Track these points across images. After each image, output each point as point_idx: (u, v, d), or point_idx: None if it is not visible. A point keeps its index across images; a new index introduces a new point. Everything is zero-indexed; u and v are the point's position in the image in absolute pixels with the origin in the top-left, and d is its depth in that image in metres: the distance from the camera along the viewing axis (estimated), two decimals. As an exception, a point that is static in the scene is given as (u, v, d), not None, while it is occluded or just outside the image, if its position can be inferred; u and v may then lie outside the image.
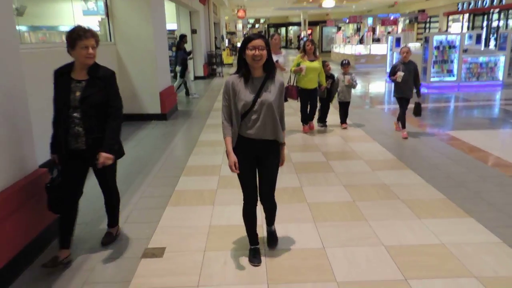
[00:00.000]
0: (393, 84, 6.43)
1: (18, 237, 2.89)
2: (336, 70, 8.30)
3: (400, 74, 6.10)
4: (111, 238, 3.32)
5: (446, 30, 26.87)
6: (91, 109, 2.85)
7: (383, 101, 10.71)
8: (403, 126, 6.49)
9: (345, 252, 3.04)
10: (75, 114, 2.83)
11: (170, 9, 12.91)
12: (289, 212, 3.71)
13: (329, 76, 6.92)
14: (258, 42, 2.59)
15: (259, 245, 3.03)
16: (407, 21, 30.53)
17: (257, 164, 2.83)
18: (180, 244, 3.24)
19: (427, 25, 30.72)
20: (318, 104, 7.01)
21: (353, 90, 7.16)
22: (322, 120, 7.23)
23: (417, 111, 6.41)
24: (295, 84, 6.63)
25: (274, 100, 2.69)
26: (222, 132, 2.76)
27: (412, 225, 3.44)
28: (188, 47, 14.95)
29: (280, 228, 3.31)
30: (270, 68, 2.71)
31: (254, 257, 2.96)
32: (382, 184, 4.40)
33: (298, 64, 6.46)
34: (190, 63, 12.50)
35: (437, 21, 29.39)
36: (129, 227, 3.57)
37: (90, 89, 2.85)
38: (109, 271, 2.91)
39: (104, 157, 2.83)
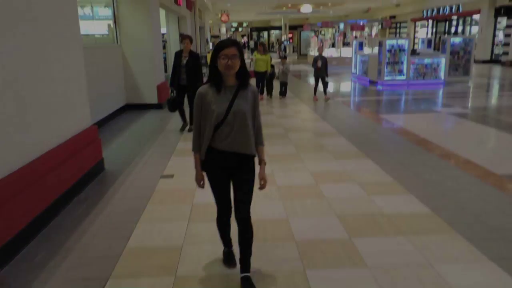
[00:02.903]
0: (314, 69, 10.80)
1: (86, 163, 4.77)
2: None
3: (320, 62, 10.56)
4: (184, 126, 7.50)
5: (414, 36, 29.29)
6: (189, 68, 6.88)
7: (347, 95, 12.79)
8: (315, 94, 11.04)
9: (284, 175, 5.01)
10: (182, 70, 6.91)
11: (161, 16, 14.71)
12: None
13: (271, 66, 11.14)
14: (231, 50, 2.42)
15: (232, 248, 3.06)
16: (380, 26, 32.95)
17: (231, 178, 2.71)
18: (184, 173, 5.16)
19: (398, 30, 33.21)
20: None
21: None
22: (270, 93, 11.54)
23: (325, 84, 10.90)
24: (252, 69, 10.91)
25: (248, 110, 2.55)
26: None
27: (329, 162, 5.48)
28: (176, 49, 16.80)
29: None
30: (243, 76, 2.56)
31: (228, 259, 3.01)
32: (319, 144, 6.42)
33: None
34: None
35: (406, 27, 31.87)
36: (149, 166, 5.49)
37: (189, 60, 6.87)
38: (141, 183, 4.84)
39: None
